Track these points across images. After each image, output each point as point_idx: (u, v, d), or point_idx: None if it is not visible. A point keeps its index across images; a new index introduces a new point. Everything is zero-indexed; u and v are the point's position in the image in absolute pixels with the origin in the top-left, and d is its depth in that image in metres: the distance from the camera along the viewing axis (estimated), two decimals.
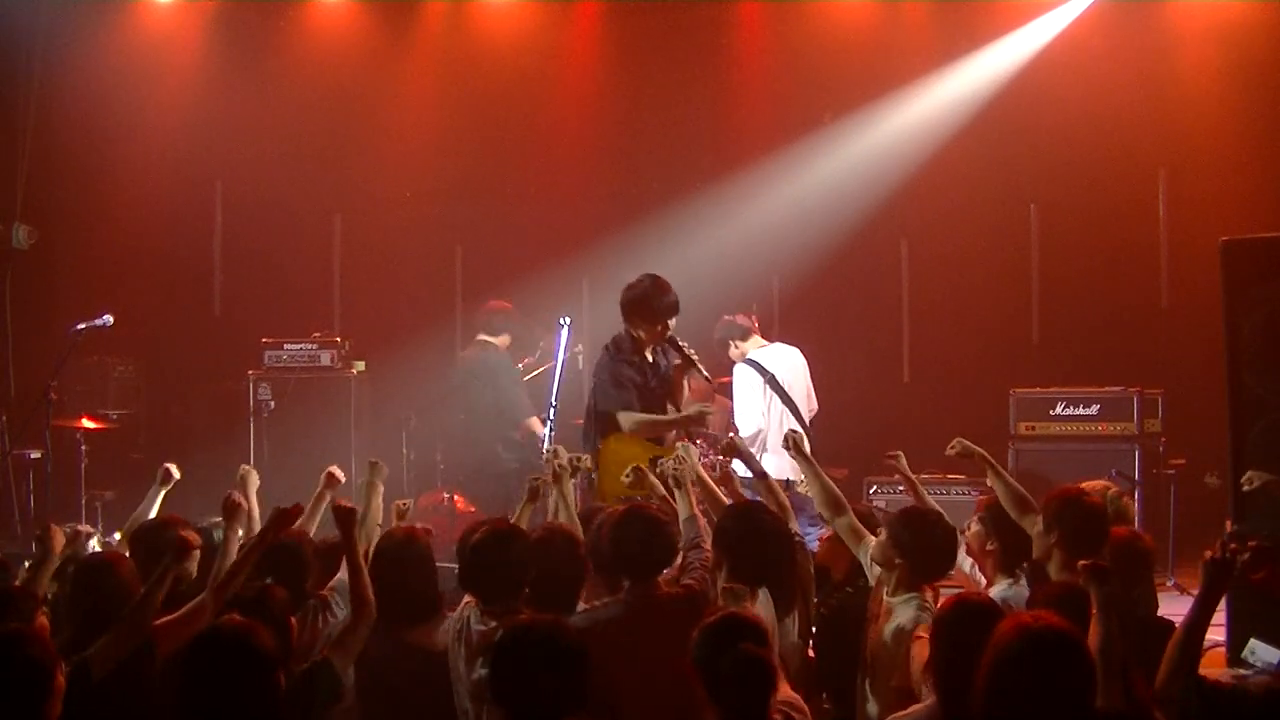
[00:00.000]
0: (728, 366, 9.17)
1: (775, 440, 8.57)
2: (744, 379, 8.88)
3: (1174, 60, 11.08)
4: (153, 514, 6.52)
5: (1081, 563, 4.27)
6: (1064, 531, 5.16)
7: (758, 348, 9.01)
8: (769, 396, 8.81)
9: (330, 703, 4.53)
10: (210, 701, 3.88)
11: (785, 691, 4.20)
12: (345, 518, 4.96)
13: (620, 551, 5.10)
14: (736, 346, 9.01)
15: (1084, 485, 6.12)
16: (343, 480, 6.42)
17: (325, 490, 6.32)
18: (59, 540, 5.41)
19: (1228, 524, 5.65)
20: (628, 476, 6.23)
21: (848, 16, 11.64)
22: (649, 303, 7.63)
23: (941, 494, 9.74)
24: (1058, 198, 11.35)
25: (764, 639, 4.11)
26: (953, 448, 6.16)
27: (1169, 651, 4.20)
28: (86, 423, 10.13)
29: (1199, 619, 4.22)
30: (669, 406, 7.72)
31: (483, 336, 9.72)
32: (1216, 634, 6.84)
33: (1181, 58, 11.07)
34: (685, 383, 10.84)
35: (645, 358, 7.67)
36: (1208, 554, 4.29)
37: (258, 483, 6.38)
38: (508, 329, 9.72)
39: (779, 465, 8.24)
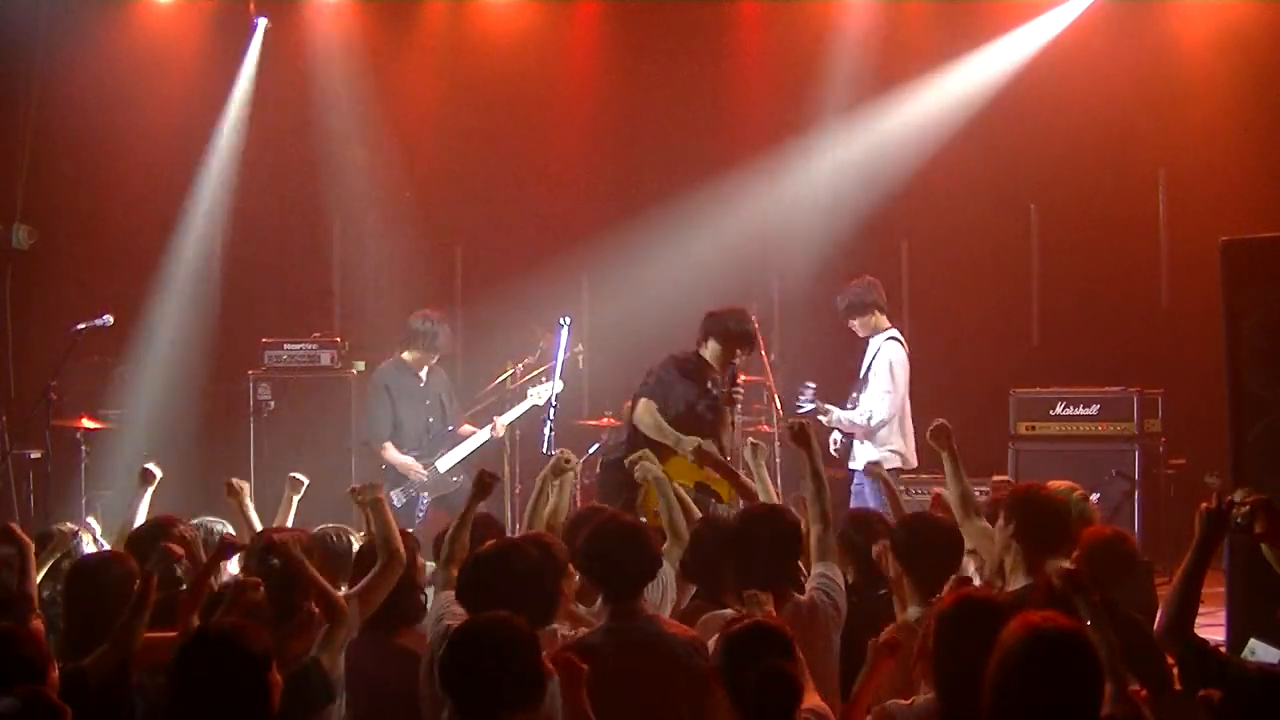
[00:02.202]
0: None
1: (906, 425, 8.83)
2: (900, 356, 8.85)
3: (1174, 60, 11.08)
4: (141, 516, 6.51)
5: (1058, 570, 4.26)
6: (1022, 525, 5.11)
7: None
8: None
9: (323, 703, 4.52)
10: (203, 703, 3.86)
11: (812, 700, 4.14)
12: (283, 552, 4.96)
13: (592, 566, 4.89)
14: (878, 315, 8.94)
15: (1048, 484, 6.13)
16: (306, 483, 6.51)
17: (291, 494, 6.45)
18: (23, 536, 5.31)
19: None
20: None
21: (848, 16, 11.63)
22: (725, 323, 7.66)
23: None
24: (1058, 198, 11.34)
25: (790, 649, 4.05)
26: (935, 433, 6.08)
27: (1166, 602, 4.23)
28: (86, 423, 10.12)
29: (1194, 568, 4.23)
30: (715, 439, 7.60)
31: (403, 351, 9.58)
32: (1216, 634, 6.84)
33: (1181, 58, 11.06)
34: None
35: (704, 381, 7.62)
36: (1204, 505, 4.30)
37: (249, 494, 6.41)
38: (412, 344, 9.46)
39: (903, 450, 8.67)
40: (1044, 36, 11.17)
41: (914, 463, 8.98)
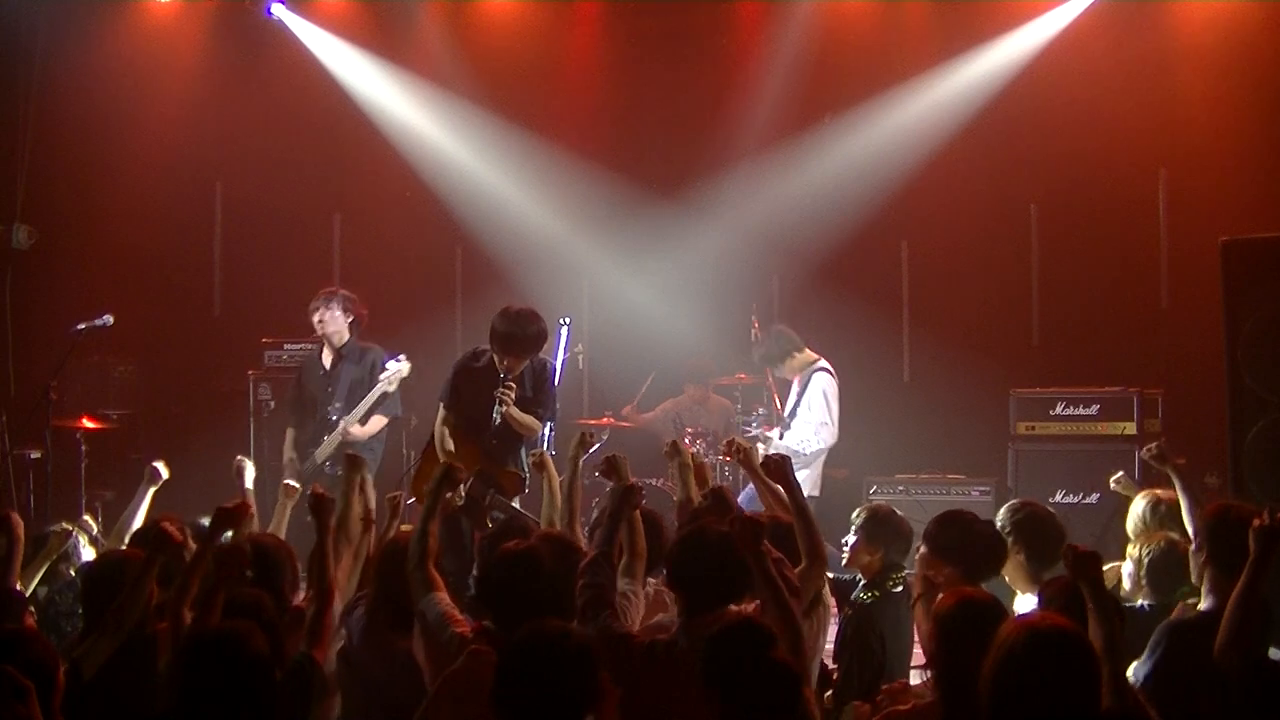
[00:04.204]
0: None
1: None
2: (833, 387, 9.12)
3: (1174, 60, 11.06)
4: (142, 514, 6.52)
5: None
6: (1216, 548, 4.89)
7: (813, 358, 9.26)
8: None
9: (319, 698, 4.51)
10: (205, 704, 3.86)
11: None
12: (321, 506, 5.02)
13: (678, 573, 4.67)
14: (798, 355, 9.25)
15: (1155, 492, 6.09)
16: (299, 489, 6.49)
17: (285, 500, 6.45)
18: (17, 528, 5.26)
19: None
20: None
21: (848, 16, 11.63)
22: (494, 329, 7.64)
23: (941, 494, 9.78)
24: (1058, 198, 11.34)
25: (776, 642, 4.00)
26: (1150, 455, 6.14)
27: (1224, 621, 4.21)
28: (86, 423, 10.13)
29: (1251, 585, 4.25)
30: (500, 433, 7.67)
31: None
32: None
33: (1182, 57, 11.05)
34: (686, 389, 10.93)
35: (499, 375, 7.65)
36: (1256, 521, 4.31)
37: (254, 474, 6.40)
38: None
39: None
40: (1044, 37, 11.15)
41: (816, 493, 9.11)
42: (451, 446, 7.68)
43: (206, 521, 5.96)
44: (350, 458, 5.83)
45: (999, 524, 5.53)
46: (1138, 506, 6.11)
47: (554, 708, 3.76)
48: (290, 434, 9.28)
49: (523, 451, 7.73)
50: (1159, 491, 6.15)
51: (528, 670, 3.79)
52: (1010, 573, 5.43)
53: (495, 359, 7.65)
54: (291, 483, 6.69)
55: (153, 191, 11.70)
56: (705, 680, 3.91)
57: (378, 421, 9.07)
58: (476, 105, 11.66)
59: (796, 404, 9.21)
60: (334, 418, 9.13)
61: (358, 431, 8.97)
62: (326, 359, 9.33)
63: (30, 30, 11.35)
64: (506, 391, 7.56)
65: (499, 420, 7.58)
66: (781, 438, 9.13)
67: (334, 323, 9.23)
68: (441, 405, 7.79)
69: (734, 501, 4.96)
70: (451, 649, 4.63)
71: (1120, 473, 7.07)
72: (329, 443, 9.05)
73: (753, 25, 11.76)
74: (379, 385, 8.97)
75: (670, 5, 11.70)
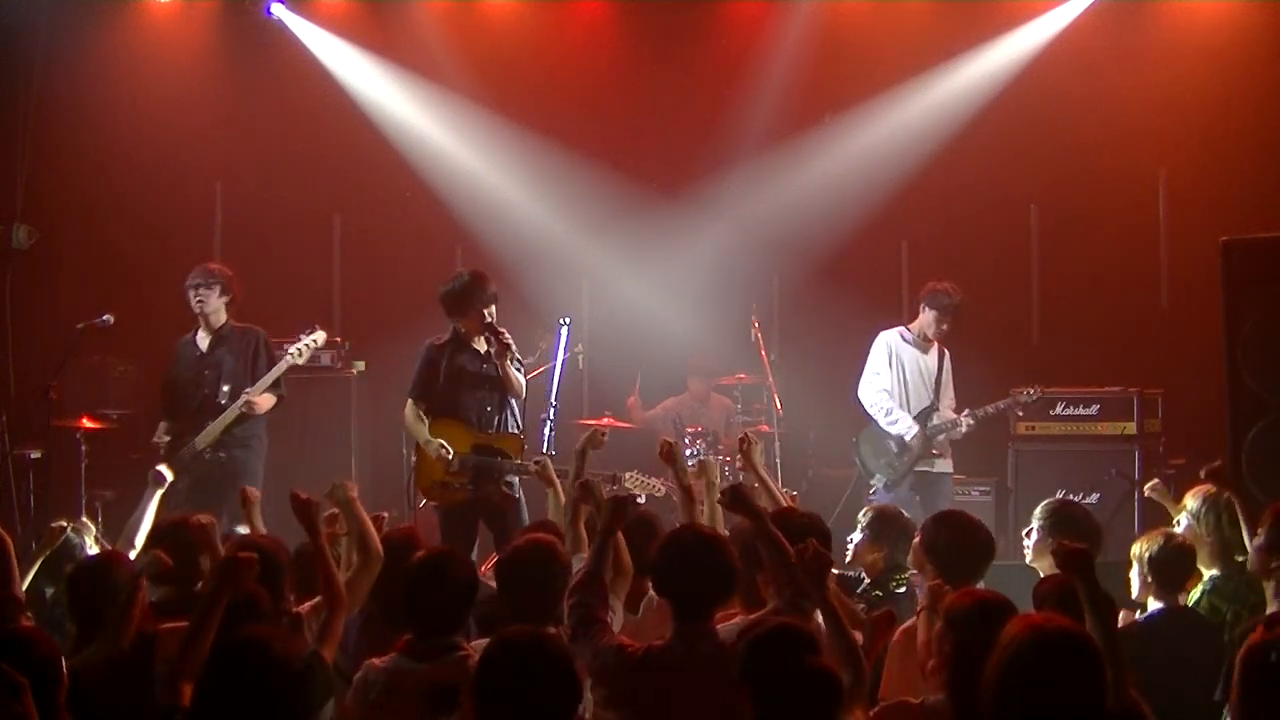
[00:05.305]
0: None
1: None
2: None
3: (1174, 60, 11.07)
4: (149, 519, 6.52)
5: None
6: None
7: None
8: None
9: (328, 697, 4.52)
10: (234, 710, 3.86)
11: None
12: (304, 509, 4.99)
13: (662, 580, 4.63)
14: None
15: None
16: (169, 478, 6.46)
17: (155, 488, 6.58)
18: (6, 540, 5.24)
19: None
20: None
21: (848, 16, 11.63)
22: (450, 295, 8.06)
23: None
24: (1058, 198, 11.34)
25: (819, 649, 3.96)
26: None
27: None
28: (86, 423, 10.11)
29: None
30: (491, 398, 8.07)
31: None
32: None
33: (1181, 58, 11.06)
34: (689, 382, 10.96)
35: (471, 348, 8.11)
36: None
37: (258, 496, 6.39)
38: None
39: None
40: (1044, 36, 11.16)
41: None
42: (428, 435, 7.96)
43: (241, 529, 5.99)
44: (339, 485, 5.61)
45: (1036, 523, 5.53)
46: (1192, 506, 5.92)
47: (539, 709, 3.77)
48: (163, 422, 8.94)
49: (509, 411, 8.07)
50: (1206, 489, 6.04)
51: (508, 674, 3.78)
52: (1048, 572, 5.39)
53: (459, 326, 8.00)
54: (162, 469, 6.71)
55: (153, 191, 11.69)
56: (741, 678, 3.86)
57: (268, 399, 8.84)
58: (476, 105, 11.65)
59: (944, 376, 9.51)
60: (222, 401, 8.76)
61: (261, 401, 8.74)
62: (203, 341, 8.96)
63: (30, 30, 11.34)
64: (500, 336, 7.90)
65: (513, 348, 7.91)
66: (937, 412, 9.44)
67: (212, 302, 8.89)
68: (410, 399, 8.08)
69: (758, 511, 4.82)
70: (371, 674, 4.66)
71: (1156, 480, 6.88)
72: (212, 428, 8.70)
73: (753, 25, 11.74)
74: (287, 358, 8.77)
75: (670, 5, 11.70)
